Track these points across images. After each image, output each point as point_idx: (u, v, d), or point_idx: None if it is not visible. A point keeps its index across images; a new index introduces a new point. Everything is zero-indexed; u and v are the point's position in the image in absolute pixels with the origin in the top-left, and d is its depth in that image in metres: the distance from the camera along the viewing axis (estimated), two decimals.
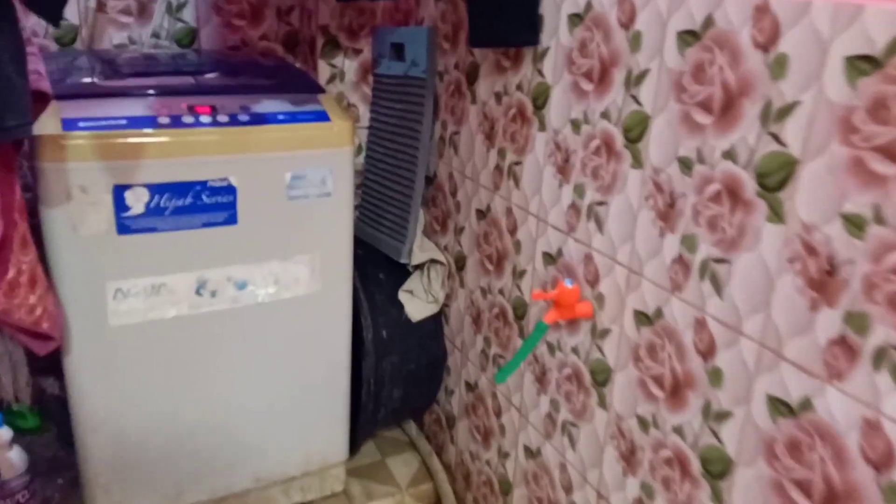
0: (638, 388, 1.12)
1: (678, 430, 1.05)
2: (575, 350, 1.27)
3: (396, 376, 1.72)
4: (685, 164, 0.98)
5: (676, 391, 1.04)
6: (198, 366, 1.43)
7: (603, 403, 1.21)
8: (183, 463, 1.48)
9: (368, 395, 1.69)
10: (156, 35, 1.78)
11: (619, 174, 1.11)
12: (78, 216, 1.22)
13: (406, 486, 1.81)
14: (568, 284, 1.16)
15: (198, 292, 1.37)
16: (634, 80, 1.06)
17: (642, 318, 1.09)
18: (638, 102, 1.06)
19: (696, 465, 1.02)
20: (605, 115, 1.13)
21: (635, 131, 1.07)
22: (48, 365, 1.36)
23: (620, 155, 1.10)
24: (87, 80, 1.31)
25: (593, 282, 1.19)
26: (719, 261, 0.94)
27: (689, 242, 0.98)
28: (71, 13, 1.67)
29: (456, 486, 1.81)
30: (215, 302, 1.40)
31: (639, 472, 1.15)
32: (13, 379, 1.37)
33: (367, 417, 1.72)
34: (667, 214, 1.02)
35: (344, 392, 1.63)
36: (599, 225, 1.16)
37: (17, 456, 1.48)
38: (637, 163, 1.07)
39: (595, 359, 1.21)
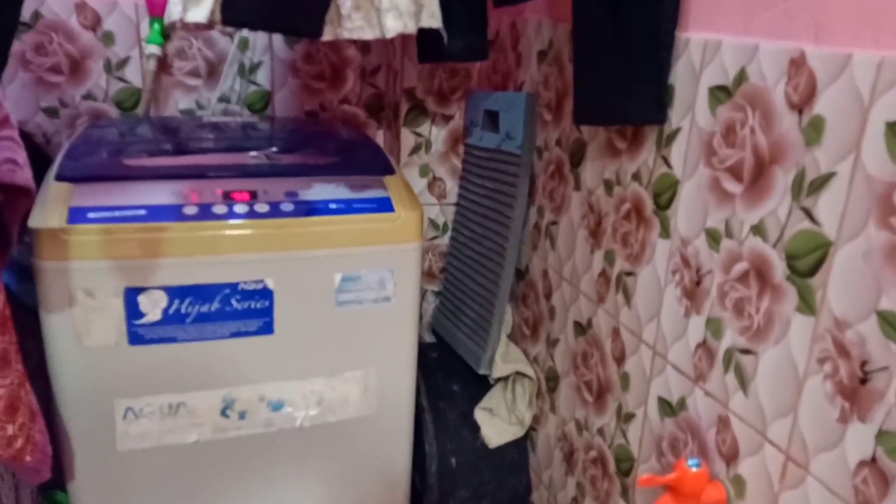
0: None
1: None
2: None
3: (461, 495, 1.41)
4: None
5: None
6: (222, 495, 1.18)
7: None
8: None
9: None
10: (225, 99, 1.61)
11: (775, 314, 0.77)
12: (83, 324, 1.02)
13: None
14: (693, 467, 0.81)
15: (224, 413, 1.13)
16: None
17: None
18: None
19: None
20: (757, 229, 0.79)
21: (808, 259, 0.73)
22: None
23: (781, 289, 0.76)
24: (115, 158, 1.12)
25: (730, 458, 0.84)
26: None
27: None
28: (133, 74, 1.52)
29: None
30: (244, 425, 1.15)
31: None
32: (16, 499, 1.18)
33: None
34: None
35: None
36: (743, 381, 0.82)
37: None
38: (808, 308, 0.73)
39: None
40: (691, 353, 0.92)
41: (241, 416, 1.14)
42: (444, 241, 1.72)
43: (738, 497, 0.83)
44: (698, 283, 0.90)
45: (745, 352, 0.82)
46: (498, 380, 1.45)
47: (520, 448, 1.45)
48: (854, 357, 0.67)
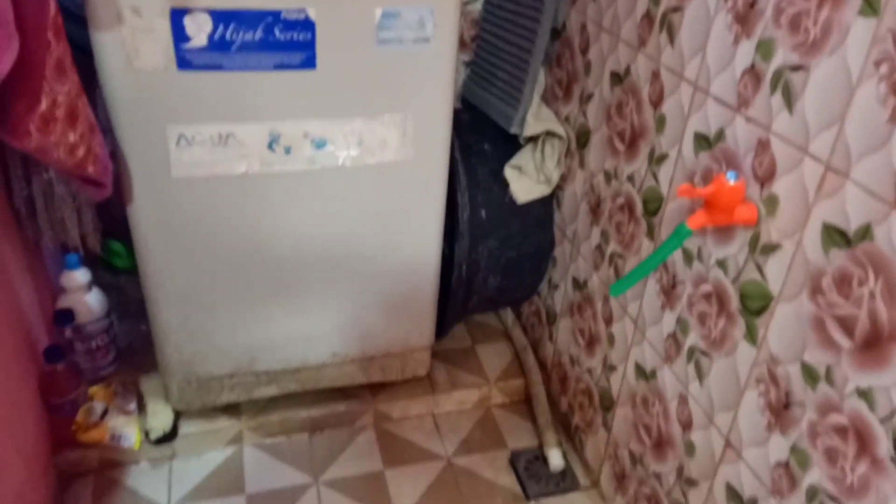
0: (810, 327, 0.84)
1: None
2: (722, 264, 0.99)
3: (493, 263, 1.50)
4: None
5: None
6: (271, 228, 1.26)
7: (752, 336, 0.94)
8: (256, 330, 1.35)
9: (459, 281, 1.49)
10: None
11: (833, 21, 0.77)
12: (131, 45, 1.02)
13: (495, 380, 1.64)
14: (731, 179, 0.86)
15: (270, 147, 1.17)
16: None
17: (836, 236, 0.79)
18: None
19: None
20: None
21: None
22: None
23: None
24: None
25: (765, 178, 0.88)
26: None
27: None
28: None
29: (550, 386, 1.62)
30: (290, 160, 1.19)
31: (792, 432, 0.89)
32: (78, 223, 1.25)
33: (456, 304, 1.53)
34: None
35: (433, 273, 1.43)
36: (789, 99, 0.84)
37: (95, 300, 1.40)
38: (871, 10, 0.73)
39: (750, 279, 0.93)
40: (736, 80, 0.93)
41: (287, 151, 1.18)
42: (477, 7, 1.67)
43: (770, 214, 0.88)
44: (752, 4, 0.89)
45: (796, 68, 0.83)
46: (528, 140, 1.49)
47: (546, 206, 1.52)
48: None
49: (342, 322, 1.41)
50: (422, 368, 1.58)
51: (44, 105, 0.89)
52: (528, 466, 1.49)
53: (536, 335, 1.69)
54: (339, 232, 1.30)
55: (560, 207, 1.51)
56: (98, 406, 1.32)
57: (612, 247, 1.30)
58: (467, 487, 1.43)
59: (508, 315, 1.80)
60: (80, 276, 1.37)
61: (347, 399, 1.55)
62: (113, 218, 1.33)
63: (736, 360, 0.98)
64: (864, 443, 0.77)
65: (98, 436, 1.30)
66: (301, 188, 1.23)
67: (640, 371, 1.24)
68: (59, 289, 1.38)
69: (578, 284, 1.46)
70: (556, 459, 1.47)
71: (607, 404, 1.37)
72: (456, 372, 1.65)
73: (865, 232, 0.74)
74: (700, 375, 1.06)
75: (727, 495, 1.02)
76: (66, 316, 1.32)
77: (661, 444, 1.19)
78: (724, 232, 0.97)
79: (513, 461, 1.50)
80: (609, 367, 1.36)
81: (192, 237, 1.22)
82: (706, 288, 1.03)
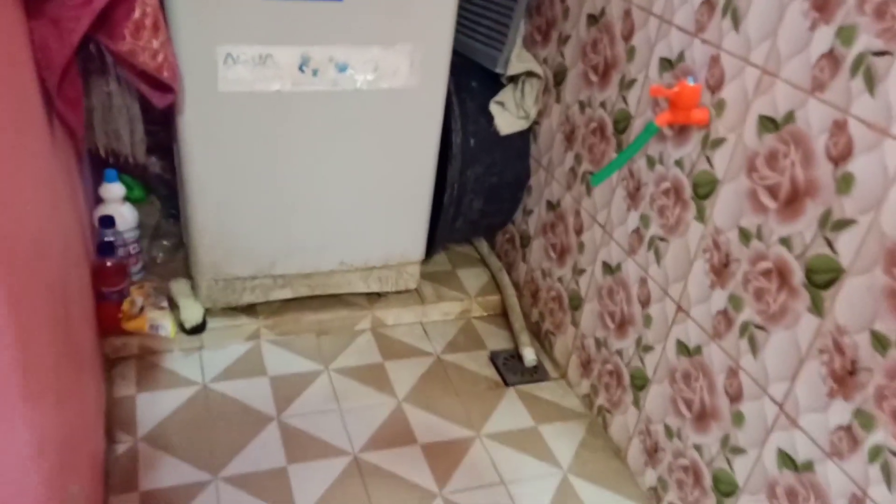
0: (747, 199, 1.10)
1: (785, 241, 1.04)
2: (679, 163, 1.24)
3: (479, 187, 1.74)
4: None
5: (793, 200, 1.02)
6: (296, 143, 1.45)
7: (701, 217, 1.20)
8: (277, 236, 1.55)
9: (451, 200, 1.71)
10: None
11: None
12: None
13: (474, 295, 1.87)
14: (690, 82, 1.11)
15: (301, 69, 1.37)
16: None
17: (767, 123, 1.05)
18: None
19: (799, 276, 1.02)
20: None
21: None
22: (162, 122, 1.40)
23: None
24: None
25: (715, 87, 1.14)
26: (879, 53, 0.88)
27: (844, 35, 0.92)
28: None
29: (522, 301, 1.86)
30: (316, 81, 1.39)
31: (728, 285, 1.16)
32: (130, 132, 1.42)
33: (446, 222, 1.76)
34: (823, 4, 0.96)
35: (427, 192, 1.65)
36: (736, 22, 1.09)
37: (129, 211, 1.57)
38: None
39: (701, 170, 1.19)
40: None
41: (315, 73, 1.38)
42: None
43: (718, 116, 1.14)
44: None
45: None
46: (510, 79, 1.72)
47: (524, 139, 1.76)
48: None
49: (349, 233, 1.62)
50: (413, 282, 1.80)
51: (136, 13, 1.07)
52: (506, 362, 1.73)
53: (510, 259, 1.93)
54: (351, 149, 1.51)
55: (537, 141, 1.75)
56: (138, 300, 1.49)
57: (585, 166, 1.55)
58: (455, 377, 1.67)
59: (484, 246, 2.04)
60: (117, 188, 1.54)
61: (348, 307, 1.75)
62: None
63: (688, 242, 1.24)
64: None
65: (139, 325, 1.47)
66: (323, 107, 1.43)
67: (608, 267, 1.50)
68: (97, 198, 1.54)
69: (552, 206, 1.70)
70: (529, 355, 1.72)
71: (576, 304, 1.62)
72: (440, 288, 1.88)
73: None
74: (658, 259, 1.32)
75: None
76: (109, 221, 1.48)
77: (623, 325, 1.45)
78: (682, 135, 1.23)
79: (492, 359, 1.74)
80: (578, 271, 1.61)
81: (230, 147, 1.41)
82: (665, 185, 1.29)
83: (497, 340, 1.81)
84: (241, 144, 1.41)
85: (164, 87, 1.23)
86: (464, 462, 1.45)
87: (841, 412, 0.97)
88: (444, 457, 1.46)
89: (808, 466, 1.02)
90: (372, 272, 1.72)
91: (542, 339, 1.79)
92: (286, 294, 1.66)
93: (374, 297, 1.79)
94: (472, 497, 1.38)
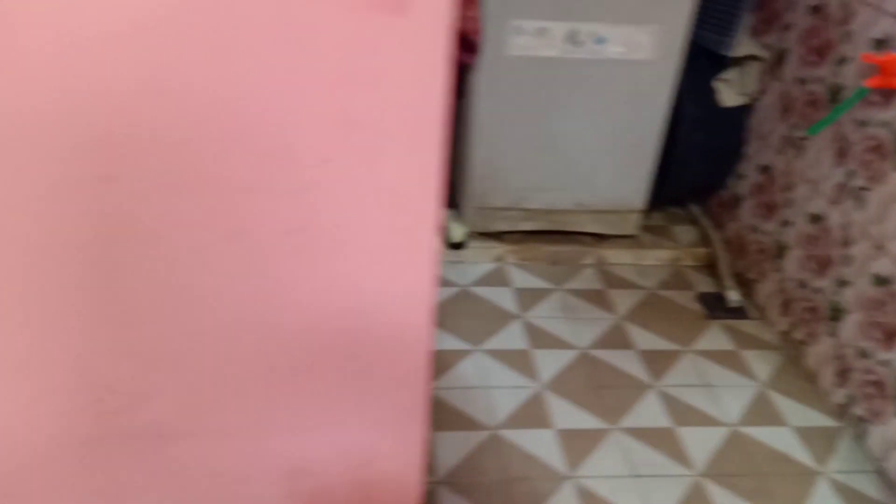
0: None
1: None
2: (885, 124, 1.48)
3: (701, 151, 2.04)
4: None
5: None
6: (557, 98, 1.86)
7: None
8: (531, 176, 1.97)
9: (676, 160, 2.03)
10: None
11: None
12: None
13: (685, 246, 2.17)
14: None
15: (569, 41, 1.78)
16: None
17: None
18: None
19: None
20: None
21: None
22: None
23: None
24: None
25: None
26: None
27: None
28: None
29: (729, 254, 2.13)
30: (579, 51, 1.79)
31: None
32: None
33: (670, 179, 2.08)
34: None
35: (655, 150, 1.99)
36: None
37: None
38: None
39: None
40: None
41: (579, 44, 1.78)
42: None
43: None
44: None
45: None
46: (734, 61, 2.01)
47: (743, 112, 2.04)
48: None
49: (587, 178, 2.00)
50: (633, 228, 2.14)
51: None
52: (710, 301, 2.01)
53: (720, 221, 2.20)
54: (597, 107, 1.89)
55: (754, 113, 2.02)
56: None
57: (797, 133, 1.81)
58: (667, 307, 1.98)
59: (695, 209, 2.32)
60: None
61: (577, 243, 2.13)
62: None
63: (889, 189, 1.47)
64: None
65: None
66: (582, 70, 1.83)
67: (814, 217, 1.74)
68: None
69: (763, 169, 1.96)
70: (733, 296, 1.99)
71: (781, 252, 1.87)
72: (656, 238, 2.20)
73: None
74: (861, 206, 1.56)
75: None
76: None
77: (824, 266, 1.69)
78: (887, 99, 1.47)
79: (699, 298, 2.03)
80: (783, 223, 1.86)
81: (508, 99, 1.85)
82: (871, 143, 1.53)
83: (703, 285, 2.09)
84: (517, 97, 1.84)
85: (472, 49, 1.69)
86: (674, 367, 1.77)
87: None
88: (657, 361, 1.78)
89: None
90: (601, 215, 2.09)
91: (745, 286, 2.05)
92: (529, 226, 2.08)
93: (599, 238, 2.15)
94: (681, 392, 1.69)
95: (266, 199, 0.76)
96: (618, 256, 2.15)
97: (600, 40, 1.79)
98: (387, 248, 0.81)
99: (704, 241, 2.20)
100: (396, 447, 0.97)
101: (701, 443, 1.56)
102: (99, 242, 0.74)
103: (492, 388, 1.67)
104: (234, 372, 0.86)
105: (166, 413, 0.87)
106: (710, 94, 2.01)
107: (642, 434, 1.57)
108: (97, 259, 0.75)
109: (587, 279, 2.07)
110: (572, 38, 1.78)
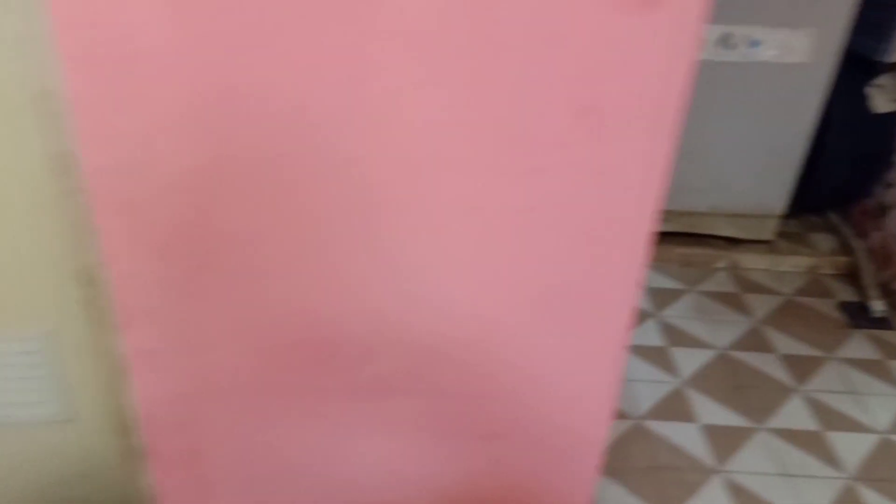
0: None
1: None
2: None
3: (847, 156, 2.01)
4: None
5: None
6: (704, 103, 1.87)
7: None
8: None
9: (821, 165, 2.01)
10: None
11: None
12: None
13: (823, 254, 2.14)
14: None
15: (721, 44, 1.79)
16: None
17: None
18: None
19: None
20: None
21: None
22: None
23: None
24: None
25: None
26: None
27: None
28: None
29: (873, 265, 2.08)
30: (730, 54, 1.81)
31: None
32: None
33: (814, 184, 2.06)
34: None
35: (800, 154, 1.97)
36: None
37: None
38: None
39: None
40: None
41: (731, 47, 1.80)
42: None
43: None
44: None
45: None
46: (889, 67, 1.97)
47: (894, 120, 1.99)
48: None
49: (724, 180, 2.01)
50: (769, 233, 2.13)
51: None
52: (853, 310, 1.98)
53: (863, 229, 2.15)
54: (743, 109, 1.89)
55: None
56: None
57: None
58: (807, 314, 1.96)
59: (835, 217, 2.27)
60: None
61: (710, 246, 2.14)
62: None
63: None
64: None
65: None
66: (733, 74, 1.84)
67: None
68: None
69: None
70: (878, 306, 1.94)
71: None
72: (791, 245, 2.17)
73: None
74: None
75: None
76: None
77: None
78: None
79: (841, 306, 2.00)
80: None
81: None
82: None
83: (844, 294, 2.05)
84: None
85: None
86: (818, 372, 1.75)
87: None
88: (800, 366, 1.77)
89: None
90: (736, 219, 2.09)
91: (890, 297, 2.00)
92: (663, 227, 2.10)
93: (732, 242, 2.14)
94: (827, 397, 1.68)
95: (501, 180, 0.83)
96: (752, 261, 2.13)
97: (754, 43, 1.80)
98: (604, 232, 0.87)
99: (845, 249, 2.16)
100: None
101: (851, 447, 1.55)
102: (358, 211, 0.84)
103: (632, 381, 1.71)
104: (449, 338, 0.94)
105: (386, 371, 0.96)
106: (860, 99, 1.98)
107: (790, 435, 1.57)
108: (357, 228, 0.84)
109: (720, 282, 2.07)
110: (725, 42, 1.79)
